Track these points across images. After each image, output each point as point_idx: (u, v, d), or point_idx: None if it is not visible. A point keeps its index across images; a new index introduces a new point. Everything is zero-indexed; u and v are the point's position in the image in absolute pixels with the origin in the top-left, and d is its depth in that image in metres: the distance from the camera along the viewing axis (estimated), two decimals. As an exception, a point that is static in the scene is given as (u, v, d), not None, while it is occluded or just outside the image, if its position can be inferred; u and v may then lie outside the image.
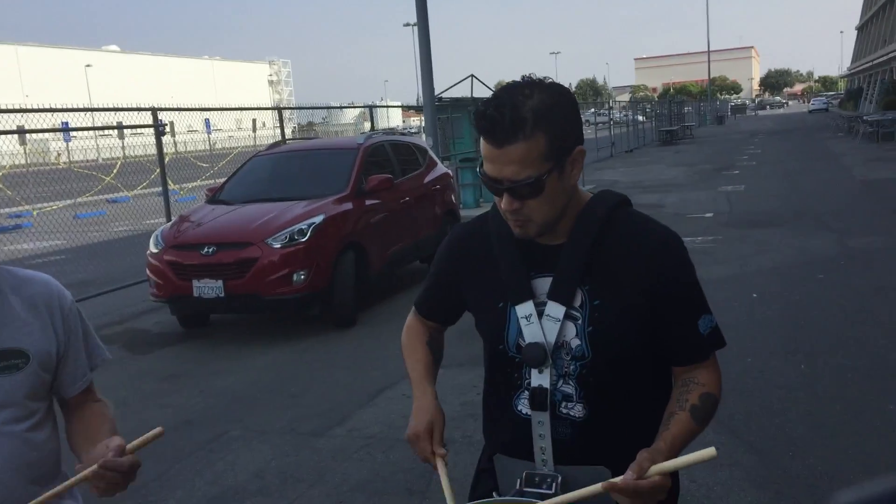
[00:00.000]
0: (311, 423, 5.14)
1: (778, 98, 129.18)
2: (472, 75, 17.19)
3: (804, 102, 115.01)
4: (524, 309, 1.66)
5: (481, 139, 1.57)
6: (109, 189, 23.32)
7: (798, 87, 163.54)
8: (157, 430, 1.63)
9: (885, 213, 11.86)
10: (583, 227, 1.65)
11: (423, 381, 1.85)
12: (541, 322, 1.64)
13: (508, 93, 1.55)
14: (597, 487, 1.45)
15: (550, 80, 1.61)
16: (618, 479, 1.44)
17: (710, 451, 1.39)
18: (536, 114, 1.52)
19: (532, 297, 1.66)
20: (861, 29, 70.56)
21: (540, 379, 1.66)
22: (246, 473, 4.44)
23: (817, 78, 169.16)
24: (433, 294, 1.94)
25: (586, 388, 1.65)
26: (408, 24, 63.16)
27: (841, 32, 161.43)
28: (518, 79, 1.61)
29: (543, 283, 1.66)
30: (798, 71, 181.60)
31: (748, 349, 5.77)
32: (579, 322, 1.63)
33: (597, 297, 1.62)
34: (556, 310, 1.63)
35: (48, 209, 19.15)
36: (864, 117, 30.38)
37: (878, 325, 6.31)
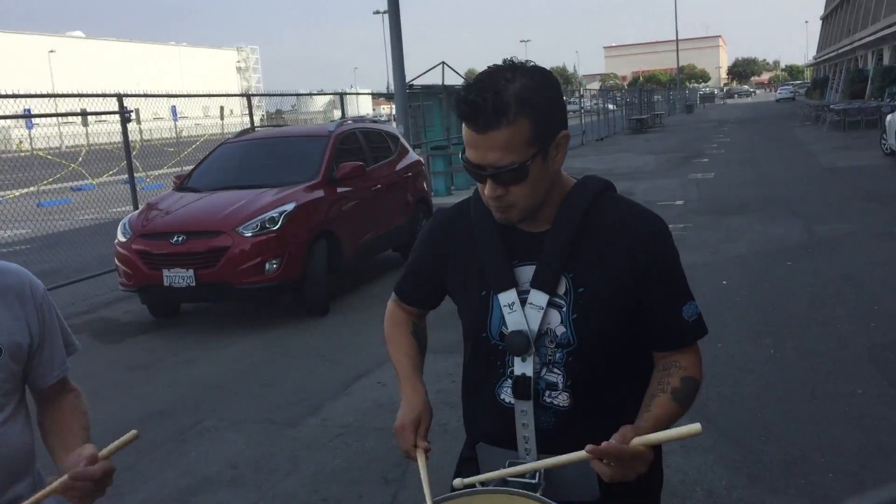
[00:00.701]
0: (284, 413, 5.10)
1: (746, 87, 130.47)
2: (444, 62, 17.19)
3: (771, 91, 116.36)
4: (507, 297, 1.64)
5: (464, 125, 1.54)
6: (74, 177, 22.93)
7: (765, 76, 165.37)
8: (132, 433, 1.59)
9: (852, 201, 12.04)
10: (566, 214, 1.63)
11: (412, 376, 1.82)
12: (524, 310, 1.63)
13: (490, 77, 1.52)
14: (580, 454, 1.44)
15: (533, 63, 1.58)
16: (602, 445, 1.42)
17: (695, 427, 1.38)
18: (520, 98, 1.49)
19: (515, 285, 1.64)
20: (826, 19, 71.46)
21: (523, 367, 1.64)
22: (219, 464, 4.40)
23: (784, 67, 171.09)
24: (413, 280, 1.91)
25: (573, 377, 1.63)
26: (378, 12, 62.73)
27: (806, 22, 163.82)
28: (495, 64, 1.58)
29: (527, 272, 1.65)
30: (765, 60, 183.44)
31: (719, 335, 5.83)
32: (564, 309, 1.61)
33: (581, 284, 1.61)
34: (538, 298, 1.62)
35: (10, 196, 18.78)
36: (831, 106, 30.80)
37: (845, 311, 6.41)
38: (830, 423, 4.31)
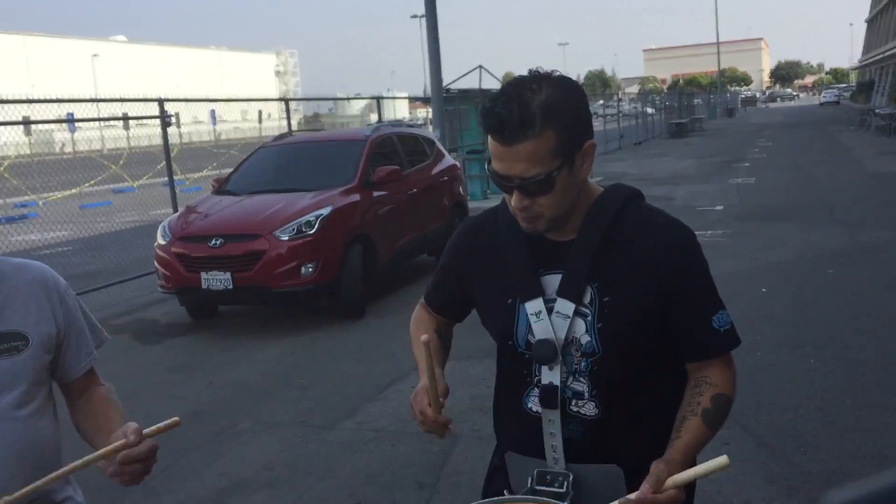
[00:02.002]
0: (320, 416, 5.14)
1: (789, 90, 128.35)
2: (481, 66, 17.17)
3: (814, 95, 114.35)
4: (533, 306, 1.64)
5: (489, 137, 1.55)
6: (114, 179, 23.35)
7: (808, 80, 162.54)
8: (174, 419, 1.63)
9: (896, 207, 11.78)
10: (592, 223, 1.63)
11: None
12: (550, 319, 1.62)
13: (516, 88, 1.52)
14: None
15: (558, 73, 1.58)
16: (633, 496, 1.43)
17: (722, 460, 1.40)
18: (545, 110, 1.49)
19: (541, 293, 1.64)
20: (871, 21, 70.10)
21: (550, 376, 1.64)
22: (255, 466, 4.44)
23: (828, 70, 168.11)
24: (440, 289, 1.92)
25: (598, 386, 1.63)
26: (415, 16, 63.04)
27: (850, 24, 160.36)
28: (525, 71, 1.58)
29: (553, 280, 1.64)
30: (808, 63, 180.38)
31: (757, 343, 5.74)
32: (589, 318, 1.61)
33: (606, 293, 1.60)
34: (565, 307, 1.61)
35: (53, 198, 19.20)
36: (877, 110, 30.20)
37: (888, 320, 6.27)
38: (872, 435, 4.22)
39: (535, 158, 1.50)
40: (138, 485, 1.63)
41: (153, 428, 1.61)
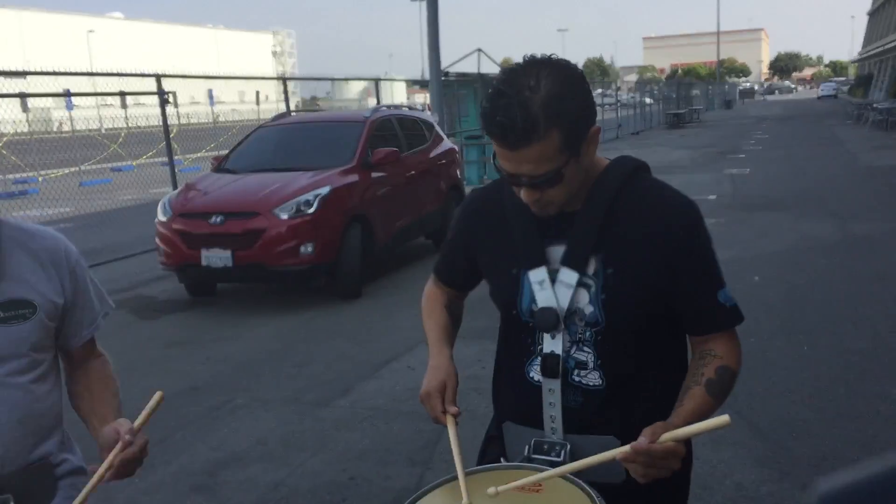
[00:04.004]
0: (314, 393, 5.18)
1: (788, 83, 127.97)
2: (480, 49, 17.13)
3: (813, 88, 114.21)
4: (537, 274, 1.65)
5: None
6: (113, 158, 23.27)
7: (807, 72, 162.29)
8: (157, 395, 1.67)
9: (889, 200, 11.84)
10: (598, 194, 1.63)
11: (440, 342, 1.85)
12: (553, 288, 1.63)
13: (514, 88, 1.47)
14: (610, 454, 1.45)
15: (556, 57, 1.54)
16: (629, 446, 1.43)
17: (723, 418, 1.39)
18: (547, 110, 1.46)
19: (545, 263, 1.65)
20: (873, 14, 69.96)
21: (552, 345, 1.65)
22: (249, 440, 4.48)
23: (827, 63, 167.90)
24: (449, 260, 1.93)
25: (603, 356, 1.64)
26: (415, -1, 62.63)
27: (852, 17, 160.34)
28: (517, 64, 1.54)
29: (557, 250, 1.65)
30: (808, 55, 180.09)
31: (751, 330, 5.78)
32: (592, 289, 1.61)
33: (611, 265, 1.61)
34: (569, 276, 1.62)
35: (53, 175, 19.13)
36: (874, 105, 30.21)
37: (880, 309, 6.32)
38: (863, 422, 4.28)
39: (542, 159, 1.50)
40: (131, 476, 1.67)
41: (142, 416, 1.65)
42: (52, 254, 1.76)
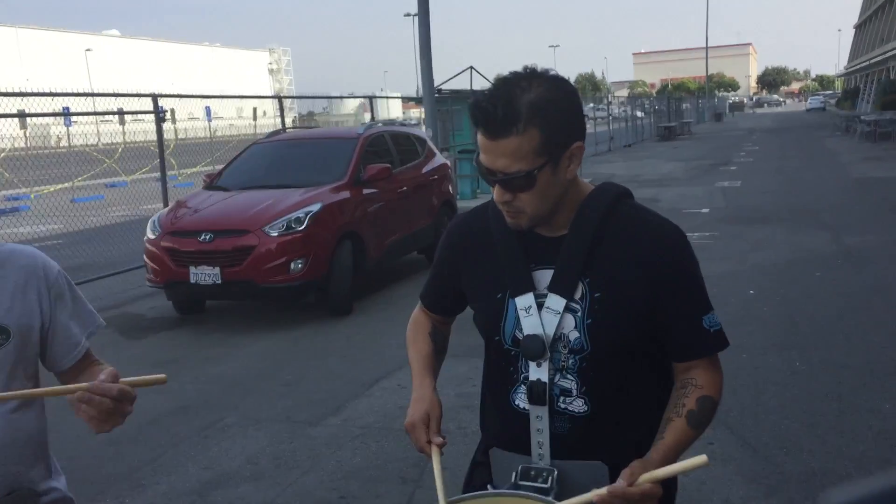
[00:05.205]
0: (305, 412, 5.14)
1: (776, 96, 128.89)
2: (472, 67, 17.17)
3: (801, 101, 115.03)
4: (524, 301, 1.64)
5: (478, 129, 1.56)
6: (108, 173, 23.25)
7: (795, 86, 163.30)
8: (161, 375, 1.60)
9: (881, 212, 11.88)
10: (584, 219, 1.63)
11: (423, 372, 1.83)
12: (540, 314, 1.63)
13: (506, 84, 1.53)
14: (587, 496, 1.45)
15: (554, 72, 1.58)
16: (605, 488, 1.43)
17: (701, 459, 1.40)
18: (532, 109, 1.50)
19: (533, 289, 1.64)
20: (859, 27, 70.48)
21: (538, 373, 1.64)
22: (240, 459, 4.44)
23: (814, 76, 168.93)
24: (435, 286, 1.92)
25: (587, 383, 1.63)
26: (408, 14, 63.03)
27: (839, 31, 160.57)
28: (515, 70, 1.58)
29: (544, 276, 1.64)
30: (795, 69, 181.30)
31: (744, 345, 5.78)
32: (578, 314, 1.61)
33: (597, 289, 1.60)
34: (556, 302, 1.62)
35: (45, 192, 19.10)
36: (862, 117, 30.40)
37: (873, 324, 6.32)
38: (854, 438, 4.26)
39: (517, 155, 1.51)
40: (108, 432, 1.57)
41: (135, 378, 1.57)
42: (28, 273, 1.69)
